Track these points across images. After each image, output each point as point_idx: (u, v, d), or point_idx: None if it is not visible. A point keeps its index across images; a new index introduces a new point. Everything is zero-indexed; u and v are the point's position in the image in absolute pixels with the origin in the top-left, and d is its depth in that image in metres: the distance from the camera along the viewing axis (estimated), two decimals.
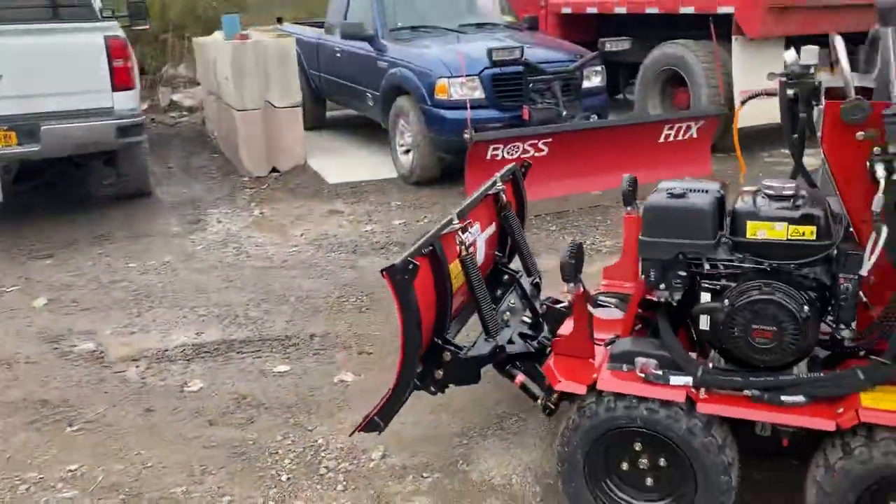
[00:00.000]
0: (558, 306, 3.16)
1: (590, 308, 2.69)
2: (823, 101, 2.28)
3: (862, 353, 2.40)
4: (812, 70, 2.44)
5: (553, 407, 2.87)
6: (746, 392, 2.37)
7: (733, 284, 2.38)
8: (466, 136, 7.10)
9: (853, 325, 2.31)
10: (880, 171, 2.14)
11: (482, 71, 7.18)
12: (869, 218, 2.21)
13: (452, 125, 7.20)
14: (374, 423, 2.73)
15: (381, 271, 2.55)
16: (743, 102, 2.79)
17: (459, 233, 2.90)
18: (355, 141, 9.97)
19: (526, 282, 3.45)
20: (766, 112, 8.10)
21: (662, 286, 2.46)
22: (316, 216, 7.00)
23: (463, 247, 2.89)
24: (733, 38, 7.59)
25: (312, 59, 9.81)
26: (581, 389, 2.51)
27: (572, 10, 9.81)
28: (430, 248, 2.71)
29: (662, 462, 2.52)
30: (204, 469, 3.20)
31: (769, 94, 2.67)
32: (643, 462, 2.55)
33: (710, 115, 7.02)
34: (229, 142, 8.81)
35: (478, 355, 2.90)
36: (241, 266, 5.71)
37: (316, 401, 3.72)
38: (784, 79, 2.48)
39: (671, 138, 6.91)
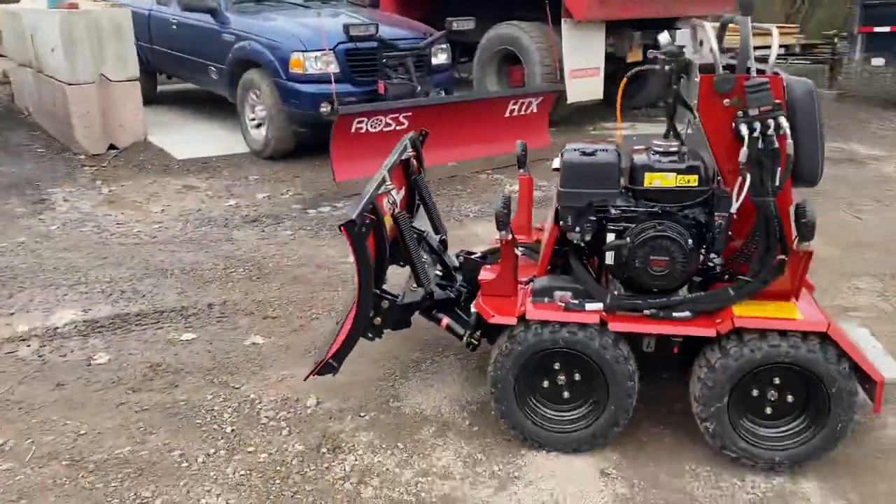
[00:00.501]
0: (473, 257, 3.56)
1: (516, 252, 3.12)
2: (697, 75, 2.84)
3: (726, 276, 3.03)
4: (684, 50, 3.01)
5: (476, 343, 3.29)
6: (646, 312, 2.92)
7: (633, 226, 2.91)
8: (323, 109, 7.33)
9: (722, 253, 2.93)
10: (744, 129, 2.74)
11: (336, 46, 7.38)
12: (734, 167, 2.81)
13: (308, 99, 7.38)
14: (329, 365, 3.01)
15: (339, 226, 2.82)
16: (628, 78, 3.31)
17: (392, 192, 3.20)
18: (194, 116, 9.76)
19: (433, 239, 3.81)
20: (590, 91, 9.03)
21: (577, 230, 2.94)
22: (171, 192, 6.91)
23: (394, 205, 3.21)
24: (563, 20, 8.33)
25: (143, 31, 9.43)
26: (512, 321, 2.95)
27: None
28: (371, 206, 3.00)
29: (577, 377, 3.02)
30: (143, 430, 3.29)
31: (651, 69, 3.22)
32: (561, 379, 3.04)
33: (549, 91, 7.71)
34: (56, 118, 8.33)
35: (411, 302, 3.25)
36: (108, 243, 5.59)
37: (233, 362, 3.88)
38: (662, 56, 3.03)
39: (515, 113, 7.53)
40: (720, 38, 3.08)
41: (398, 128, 6.86)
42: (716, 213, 2.85)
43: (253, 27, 7.84)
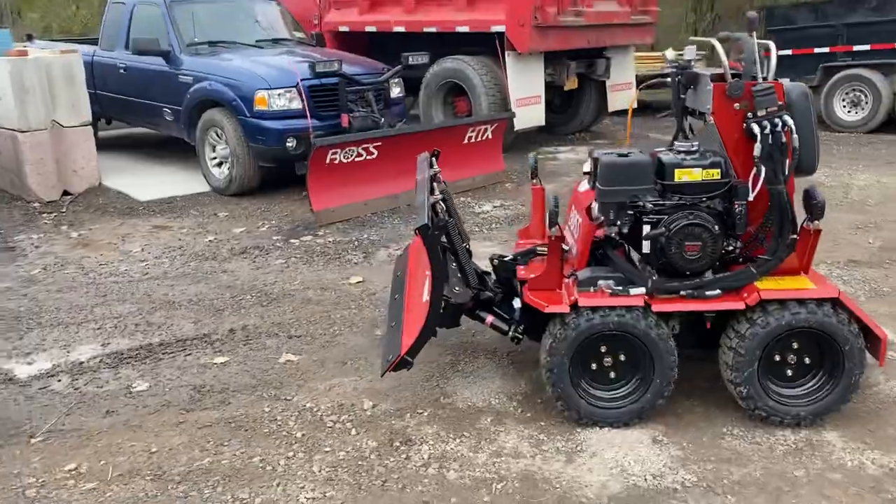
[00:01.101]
0: (506, 260, 3.88)
1: (563, 247, 3.46)
2: (708, 84, 3.30)
3: (741, 259, 3.47)
4: (692, 63, 3.47)
5: (520, 337, 3.61)
6: (682, 293, 3.32)
7: (665, 217, 3.31)
8: (289, 144, 7.56)
9: (742, 237, 3.37)
10: (756, 128, 3.20)
11: (299, 83, 7.62)
12: (746, 162, 3.27)
13: (274, 135, 7.58)
14: (405, 360, 3.25)
15: (415, 230, 3.09)
16: (640, 88, 3.75)
17: (441, 201, 3.50)
18: (146, 159, 9.75)
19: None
20: (534, 117, 9.53)
21: (617, 223, 3.32)
22: (144, 232, 6.93)
23: (444, 213, 3.51)
24: (507, 53, 8.86)
25: (86, 77, 9.38)
26: (566, 309, 3.28)
27: (350, 28, 10.54)
28: (433, 212, 3.28)
29: (622, 358, 3.38)
30: (213, 443, 3.42)
31: (663, 80, 3.66)
32: (608, 361, 3.39)
33: (503, 118, 8.18)
34: (5, 167, 8.19)
35: (462, 302, 3.53)
36: (101, 283, 5.60)
37: (275, 379, 4.04)
38: (673, 69, 3.49)
39: (473, 140, 7.95)
40: (727, 53, 3.56)
41: (368, 157, 7.15)
42: (735, 202, 3.29)
43: (212, 67, 7.99)
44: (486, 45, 9.06)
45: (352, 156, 7.00)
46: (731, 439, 3.33)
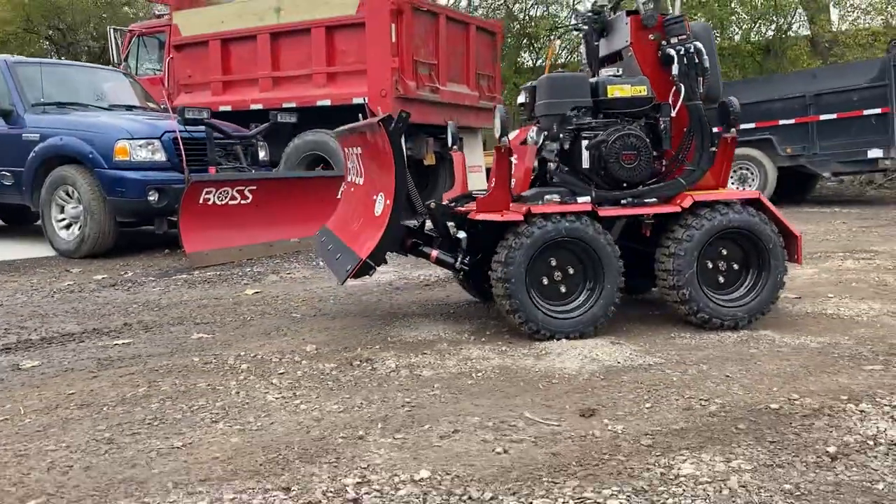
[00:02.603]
0: (443, 204, 3.87)
1: (511, 160, 3.53)
2: (627, 17, 3.66)
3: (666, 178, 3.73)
4: (604, 10, 3.84)
5: (467, 268, 3.58)
6: (623, 202, 3.49)
7: (602, 131, 3.53)
8: (151, 198, 7.20)
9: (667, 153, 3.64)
10: (671, 52, 3.56)
11: (163, 134, 7.38)
12: (665, 87, 3.60)
13: (135, 187, 7.17)
14: (367, 265, 3.09)
15: (378, 121, 3.05)
16: (558, 38, 4.04)
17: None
18: None
19: None
20: None
21: (561, 136, 3.48)
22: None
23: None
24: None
25: None
26: (520, 217, 3.32)
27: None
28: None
29: (571, 271, 3.44)
30: (146, 381, 3.01)
31: (577, 28, 3.99)
32: (558, 275, 3.44)
33: None
34: None
35: (408, 224, 3.46)
36: None
37: (193, 348, 3.66)
38: (588, 15, 3.84)
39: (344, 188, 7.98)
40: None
41: (242, 202, 6.95)
42: (660, 119, 3.58)
43: (65, 123, 7.54)
44: (343, 120, 9.31)
45: (226, 198, 6.77)
46: (681, 339, 3.43)
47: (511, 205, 3.52)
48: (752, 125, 11.49)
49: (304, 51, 9.68)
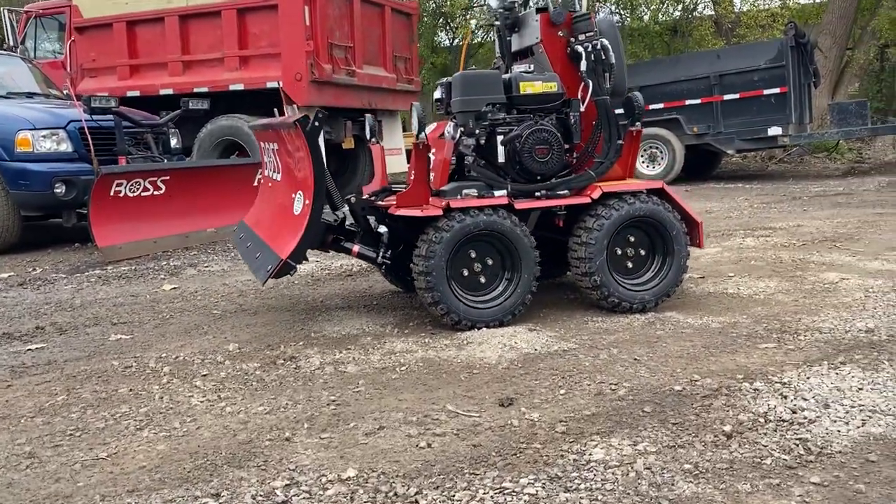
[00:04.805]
0: (362, 198, 3.91)
1: (429, 156, 3.60)
2: (537, 15, 3.76)
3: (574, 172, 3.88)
4: (515, 6, 3.94)
5: (388, 262, 3.65)
6: (537, 194, 3.62)
7: (515, 126, 3.64)
8: (58, 190, 6.97)
9: (577, 147, 3.79)
10: (580, 48, 3.69)
11: (68, 124, 7.13)
12: (574, 83, 3.74)
13: (40, 179, 6.94)
14: (288, 265, 3.12)
15: (294, 122, 3.07)
16: (472, 30, 4.11)
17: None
18: None
19: None
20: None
21: (477, 132, 3.57)
22: None
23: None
24: (286, 107, 9.04)
25: None
26: (439, 212, 3.41)
27: (108, 94, 10.06)
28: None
29: (490, 262, 3.56)
30: (64, 388, 2.96)
31: (490, 24, 4.07)
32: (477, 267, 3.55)
33: None
34: None
35: (328, 220, 3.50)
36: None
37: (112, 350, 3.62)
38: (500, 12, 3.92)
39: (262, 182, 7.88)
40: None
41: (155, 192, 6.80)
42: (570, 113, 3.72)
43: None
44: (258, 105, 9.20)
45: (138, 189, 6.61)
46: (593, 323, 3.60)
47: (430, 199, 3.59)
48: (660, 105, 11.89)
49: (215, 34, 9.46)
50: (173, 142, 8.25)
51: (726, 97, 11.52)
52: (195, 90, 9.55)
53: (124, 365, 3.23)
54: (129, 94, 9.89)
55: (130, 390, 2.90)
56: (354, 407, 2.62)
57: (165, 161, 7.51)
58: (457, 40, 20.23)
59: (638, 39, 15.47)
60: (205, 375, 3.03)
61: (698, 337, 3.32)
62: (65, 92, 9.54)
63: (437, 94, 3.77)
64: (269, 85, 9.16)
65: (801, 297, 3.96)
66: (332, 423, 2.47)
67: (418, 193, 3.56)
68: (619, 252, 3.75)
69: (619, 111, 3.78)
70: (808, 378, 2.71)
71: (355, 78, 9.63)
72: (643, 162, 11.88)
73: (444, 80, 3.77)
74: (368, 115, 4.31)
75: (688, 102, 11.76)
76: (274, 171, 3.99)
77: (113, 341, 3.76)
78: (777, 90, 11.16)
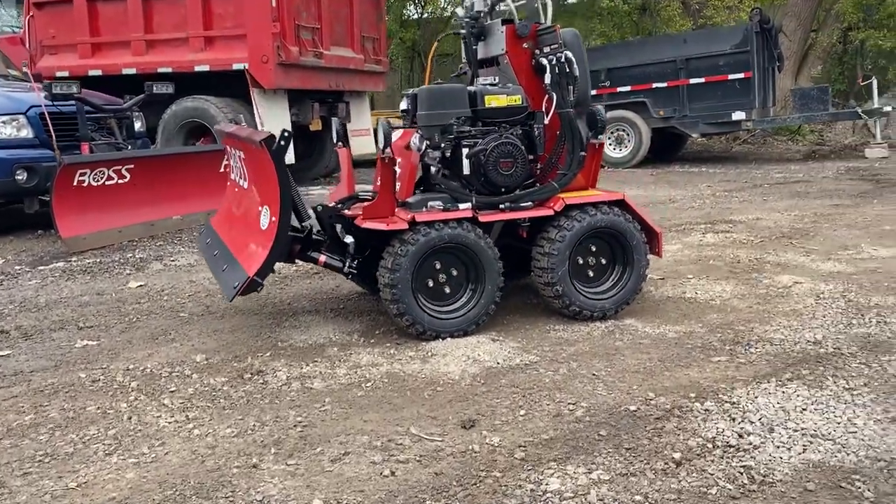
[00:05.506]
0: (329, 206, 3.94)
1: (395, 169, 3.64)
2: (503, 27, 3.80)
3: (538, 184, 3.95)
4: (481, 14, 3.96)
5: (355, 271, 3.70)
6: (501, 206, 3.69)
7: (480, 139, 3.69)
8: (19, 177, 6.88)
9: (541, 158, 3.85)
10: (544, 61, 3.74)
11: (29, 109, 7.02)
12: (538, 94, 3.79)
13: (0, 166, 6.83)
14: (254, 282, 3.16)
15: (259, 141, 3.09)
16: (438, 40, 4.14)
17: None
18: None
19: None
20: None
21: (442, 145, 3.61)
22: None
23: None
24: (252, 90, 8.96)
25: None
26: (405, 225, 3.46)
27: (70, 73, 9.85)
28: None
29: (455, 273, 3.64)
30: (31, 406, 2.99)
31: (456, 32, 4.09)
32: (442, 278, 3.62)
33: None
34: None
35: (296, 234, 3.54)
36: None
37: (79, 358, 3.63)
38: (466, 21, 3.95)
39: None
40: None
41: (120, 181, 6.73)
42: (534, 126, 3.77)
43: None
44: (225, 85, 9.10)
45: (102, 178, 6.54)
46: (555, 332, 3.70)
47: (396, 209, 3.64)
48: (628, 88, 11.98)
49: (179, 13, 9.29)
50: (137, 125, 8.15)
51: (692, 81, 11.65)
52: (159, 70, 9.40)
53: (92, 378, 3.26)
54: (91, 73, 9.71)
55: (98, 408, 2.93)
56: (321, 429, 2.69)
57: (129, 147, 7.42)
58: (426, 14, 20.07)
59: (607, 18, 15.49)
60: (172, 392, 3.07)
61: (655, 349, 3.44)
62: (24, 71, 9.34)
63: (403, 105, 3.80)
64: (236, 67, 9.04)
65: (755, 304, 4.10)
66: (299, 448, 2.54)
67: (384, 205, 3.60)
68: (581, 261, 3.84)
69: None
70: (755, 398, 2.84)
71: (322, 60, 9.55)
72: (610, 144, 11.99)
73: (411, 91, 3.80)
74: (335, 120, 4.32)
75: (655, 85, 11.87)
76: (240, 178, 4.00)
77: (79, 348, 3.78)
78: (742, 75, 11.31)
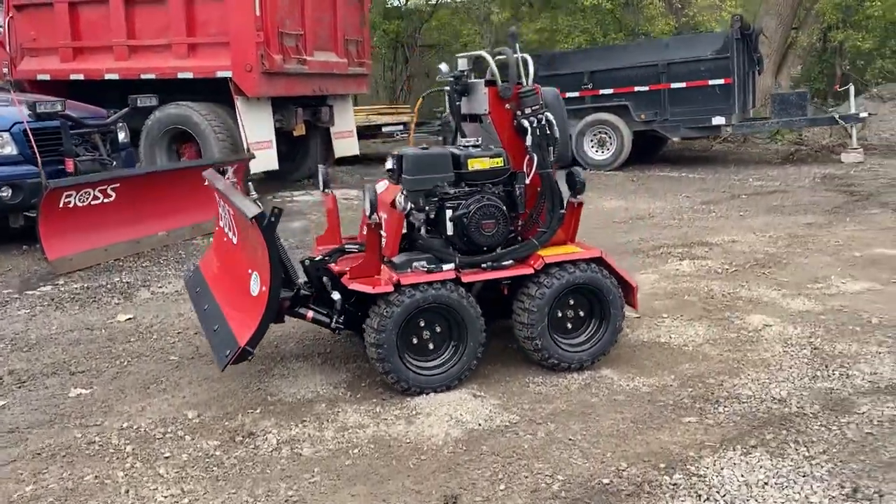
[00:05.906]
0: (316, 259, 4.06)
1: (381, 234, 3.76)
2: (486, 88, 3.90)
3: (519, 239, 4.08)
4: (465, 74, 4.06)
5: (342, 327, 3.83)
6: (483, 265, 3.83)
7: (463, 201, 3.81)
8: (3, 194, 6.92)
9: (522, 215, 3.99)
10: (525, 123, 3.86)
11: (12, 126, 7.04)
12: (520, 153, 3.91)
13: None
14: (246, 351, 3.28)
15: (251, 218, 3.20)
16: (423, 97, 4.24)
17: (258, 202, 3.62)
18: None
19: None
20: (267, 162, 9.68)
21: (426, 208, 3.74)
22: None
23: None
24: (236, 97, 8.99)
25: None
26: (390, 288, 3.59)
27: (51, 76, 9.84)
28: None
29: (438, 330, 3.78)
30: (30, 473, 3.11)
31: (441, 89, 4.19)
32: (426, 335, 3.76)
33: (243, 159, 8.25)
34: None
35: (286, 296, 3.66)
36: None
37: (73, 410, 3.75)
38: (450, 79, 4.05)
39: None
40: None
41: (105, 200, 6.80)
42: (516, 186, 3.90)
43: None
44: (209, 91, 9.12)
45: (88, 199, 6.60)
46: (534, 386, 3.86)
47: (382, 267, 3.77)
48: (610, 91, 12.09)
49: (163, 19, 9.28)
50: (121, 136, 8.19)
51: (673, 85, 11.79)
52: (142, 76, 9.41)
53: (88, 440, 3.38)
54: (73, 76, 9.69)
55: (96, 478, 3.06)
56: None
57: (114, 161, 7.46)
58: (409, 3, 19.98)
59: (591, 15, 15.54)
60: (167, 458, 3.20)
61: (629, 406, 3.61)
62: (6, 77, 9.30)
63: (389, 165, 3.91)
64: (220, 74, 9.07)
65: (726, 351, 4.29)
66: None
67: (370, 266, 3.73)
68: (560, 314, 3.99)
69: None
70: (721, 469, 3.02)
71: (306, 66, 9.60)
72: (592, 146, 12.15)
73: (397, 152, 3.90)
74: (321, 167, 4.42)
75: (637, 89, 11.99)
76: (230, 231, 4.10)
77: (73, 398, 3.89)
78: (722, 81, 11.47)
